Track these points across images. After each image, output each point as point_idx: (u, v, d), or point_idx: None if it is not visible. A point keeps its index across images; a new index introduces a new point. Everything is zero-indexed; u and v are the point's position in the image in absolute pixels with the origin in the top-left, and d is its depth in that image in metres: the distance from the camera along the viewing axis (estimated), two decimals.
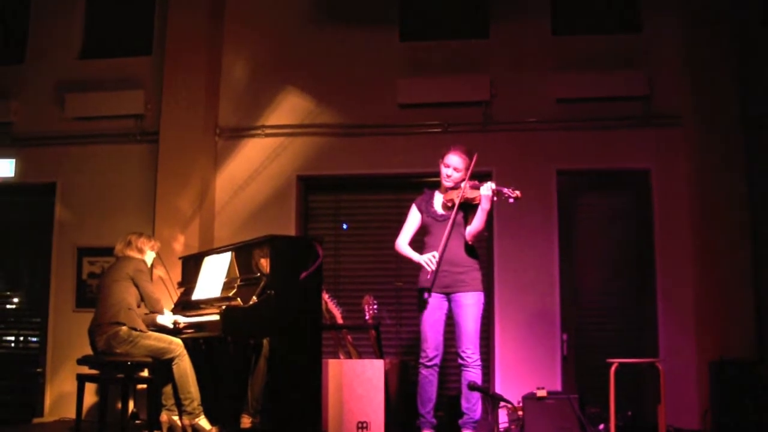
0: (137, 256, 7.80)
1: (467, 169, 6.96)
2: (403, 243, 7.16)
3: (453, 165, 6.98)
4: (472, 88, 9.56)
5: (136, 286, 7.57)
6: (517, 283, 9.23)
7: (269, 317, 6.96)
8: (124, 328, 7.35)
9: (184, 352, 7.44)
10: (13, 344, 10.48)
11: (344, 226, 9.93)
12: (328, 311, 8.21)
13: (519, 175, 9.04)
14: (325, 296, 8.05)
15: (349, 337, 8.32)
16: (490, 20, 9.92)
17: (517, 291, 9.22)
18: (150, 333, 7.50)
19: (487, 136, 9.34)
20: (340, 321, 8.31)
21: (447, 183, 7.01)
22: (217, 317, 6.92)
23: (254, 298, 6.98)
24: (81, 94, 10.14)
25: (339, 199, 10.05)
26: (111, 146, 10.10)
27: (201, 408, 7.39)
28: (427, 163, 9.02)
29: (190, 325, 7.57)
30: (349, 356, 8.16)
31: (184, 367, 7.40)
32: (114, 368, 7.35)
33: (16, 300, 10.59)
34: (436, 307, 6.89)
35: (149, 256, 7.94)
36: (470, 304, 6.79)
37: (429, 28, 10.10)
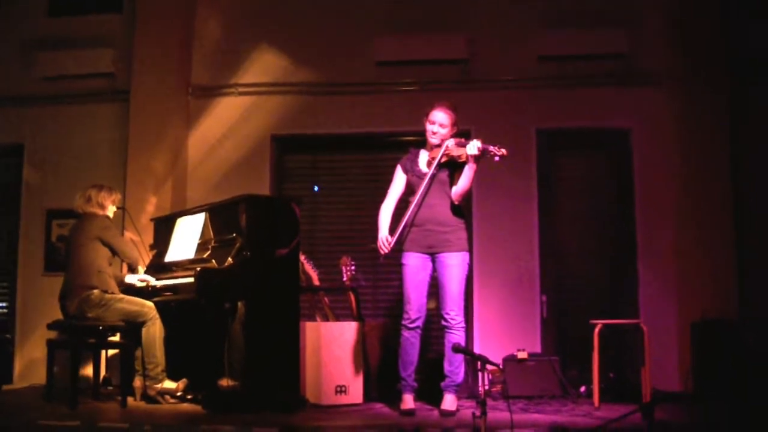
0: (99, 212, 7.55)
1: (453, 125, 6.82)
2: (385, 208, 6.95)
3: (438, 121, 6.82)
4: (450, 46, 9.35)
5: (106, 245, 7.37)
6: (496, 244, 9.08)
7: (245, 279, 6.87)
8: (96, 291, 7.18)
9: (156, 315, 7.29)
10: None
11: (315, 188, 9.74)
12: (305, 273, 8.08)
13: (498, 135, 8.64)
14: (302, 257, 7.91)
15: (326, 299, 8.19)
16: None
17: (496, 252, 9.07)
18: (123, 296, 7.33)
19: (465, 95, 9.10)
20: (316, 283, 8.18)
21: (433, 140, 6.83)
22: (191, 279, 6.80)
23: (230, 259, 6.87)
24: (50, 52, 9.83)
25: (315, 159, 9.83)
26: (81, 106, 9.83)
27: (164, 374, 7.28)
28: (404, 122, 9.04)
29: (163, 288, 7.43)
30: (326, 319, 8.03)
31: (153, 331, 7.27)
32: (85, 333, 7.16)
33: None
34: (419, 267, 6.72)
35: (111, 211, 7.67)
36: (455, 265, 6.63)
37: None
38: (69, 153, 9.74)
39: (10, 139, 9.98)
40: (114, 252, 7.44)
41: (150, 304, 7.33)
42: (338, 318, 8.07)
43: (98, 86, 9.80)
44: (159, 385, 7.24)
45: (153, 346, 7.23)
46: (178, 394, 7.30)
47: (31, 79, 9.89)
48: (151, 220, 8.64)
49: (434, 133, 6.83)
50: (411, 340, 6.72)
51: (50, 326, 7.36)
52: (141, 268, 7.81)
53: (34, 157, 9.88)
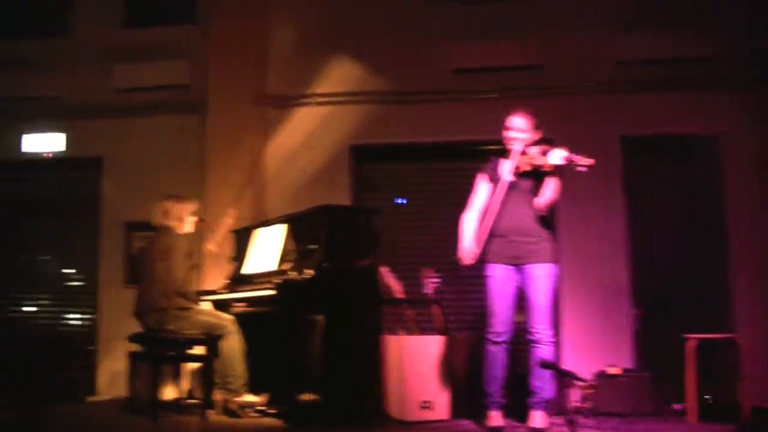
0: (177, 225, 7.41)
1: (532, 130, 6.57)
2: (468, 218, 6.66)
3: (515, 126, 6.57)
4: (527, 52, 9.18)
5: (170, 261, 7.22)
6: (582, 255, 8.78)
7: (325, 291, 6.69)
8: (174, 304, 7.07)
9: (235, 329, 7.15)
10: (66, 322, 10.32)
11: (400, 201, 9.56)
12: (387, 285, 7.88)
13: (581, 142, 8.37)
14: (384, 270, 7.73)
15: (409, 312, 7.98)
16: None
17: (584, 264, 8.78)
18: (202, 309, 7.24)
19: (545, 101, 8.79)
20: (399, 295, 7.97)
21: (512, 146, 6.60)
22: (271, 292, 6.66)
23: (309, 271, 6.70)
24: (126, 64, 9.91)
25: (394, 169, 9.67)
26: (157, 118, 9.86)
27: (245, 387, 7.14)
28: (483, 130, 8.72)
29: (244, 300, 7.30)
30: (410, 332, 7.82)
31: (232, 344, 7.12)
32: (165, 346, 7.08)
33: (67, 277, 10.42)
34: (504, 279, 6.48)
35: (189, 223, 7.52)
36: (541, 276, 6.36)
37: None
38: (147, 165, 9.74)
39: (88, 152, 10.03)
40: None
41: (229, 317, 7.21)
42: (422, 331, 7.86)
43: (174, 98, 9.82)
44: (240, 399, 7.10)
45: (233, 358, 7.10)
46: (260, 407, 7.15)
47: (107, 90, 9.93)
48: (231, 231, 8.53)
49: (512, 140, 6.59)
50: (497, 355, 6.47)
51: (131, 339, 7.27)
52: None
53: (113, 170, 9.90)
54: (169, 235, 7.33)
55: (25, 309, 10.47)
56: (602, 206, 8.86)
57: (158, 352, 7.08)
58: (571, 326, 8.74)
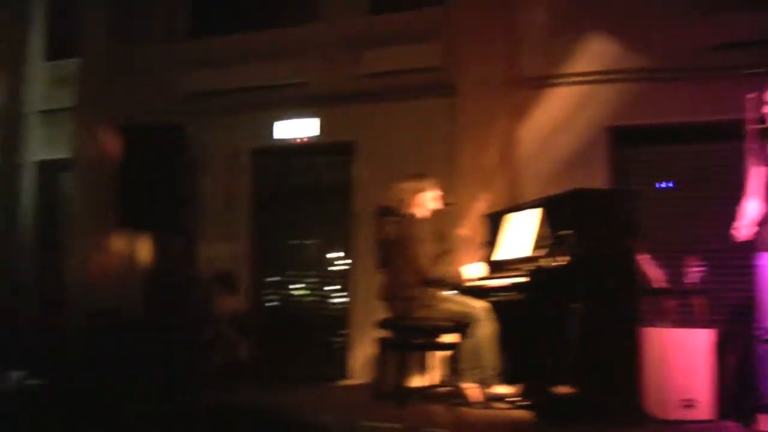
0: (415, 211, 7.17)
1: None
2: (749, 203, 6.08)
3: None
4: None
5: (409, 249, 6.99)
6: None
7: (580, 279, 6.35)
8: (419, 292, 6.87)
9: (486, 316, 6.83)
10: (326, 305, 10.57)
11: (665, 185, 9.02)
12: (646, 274, 7.42)
13: None
14: (643, 257, 7.27)
15: (670, 303, 7.48)
16: None
17: None
18: (450, 296, 6.99)
19: None
20: (659, 285, 7.48)
21: None
22: (524, 279, 6.38)
23: (564, 258, 6.36)
24: (374, 49, 9.93)
25: (654, 152, 9.10)
26: (408, 102, 9.78)
27: (496, 378, 6.81)
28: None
29: (496, 288, 7.04)
30: (670, 325, 7.33)
31: (483, 332, 6.80)
32: (412, 333, 6.90)
33: (326, 261, 10.67)
34: None
35: (428, 205, 7.23)
36: None
37: None
38: (397, 149, 9.66)
39: (340, 137, 10.12)
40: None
41: (481, 304, 6.92)
42: (683, 324, 7.33)
43: (424, 81, 9.68)
44: (489, 390, 6.83)
45: (482, 347, 6.79)
46: (510, 399, 6.87)
47: (357, 76, 9.98)
48: (483, 216, 8.30)
49: None
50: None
51: (380, 325, 7.16)
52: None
53: (364, 154, 9.95)
54: (406, 222, 7.15)
55: (291, 291, 10.84)
56: None
57: (405, 339, 6.93)
58: None
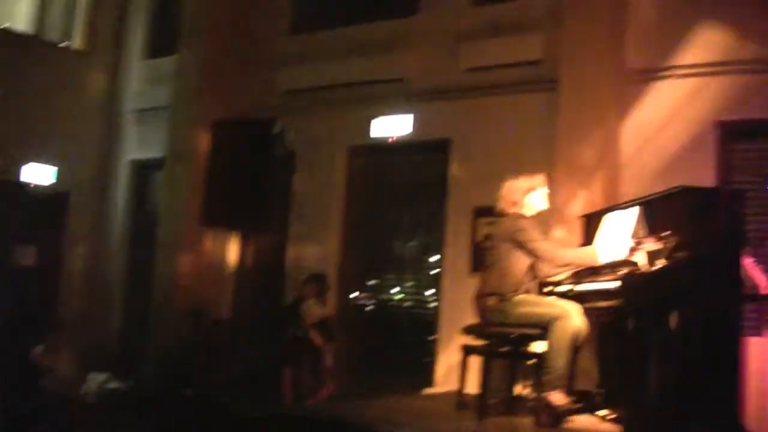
0: (514, 210, 6.80)
1: None
2: None
3: None
4: None
5: (521, 247, 6.62)
6: None
7: (678, 285, 5.93)
8: (493, 298, 6.55)
9: (567, 315, 6.29)
10: (416, 310, 10.32)
11: None
12: (752, 279, 6.99)
13: None
14: (749, 261, 6.85)
15: None
16: None
17: None
18: (526, 298, 6.54)
19: None
20: (765, 291, 7.04)
21: None
22: (615, 284, 6.01)
23: (661, 261, 5.97)
24: (475, 42, 9.72)
25: (767, 148, 8.59)
26: (506, 97, 9.49)
27: (561, 385, 6.24)
28: None
29: (586, 293, 6.67)
30: None
31: (561, 331, 6.25)
32: (499, 340, 6.58)
33: (423, 264, 10.38)
34: None
35: (530, 205, 6.85)
36: None
37: None
38: (495, 147, 9.39)
39: (436, 134, 9.88)
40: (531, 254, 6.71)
41: (568, 305, 6.42)
42: None
43: (525, 75, 9.41)
44: (548, 394, 6.26)
45: (553, 348, 6.27)
46: (570, 408, 6.38)
47: (455, 71, 9.77)
48: (581, 216, 7.94)
49: None
50: None
51: (465, 330, 6.90)
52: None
53: (460, 152, 9.71)
54: (510, 221, 6.79)
55: (382, 295, 10.66)
56: None
57: (490, 346, 6.64)
58: None
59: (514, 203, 6.81)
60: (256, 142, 8.79)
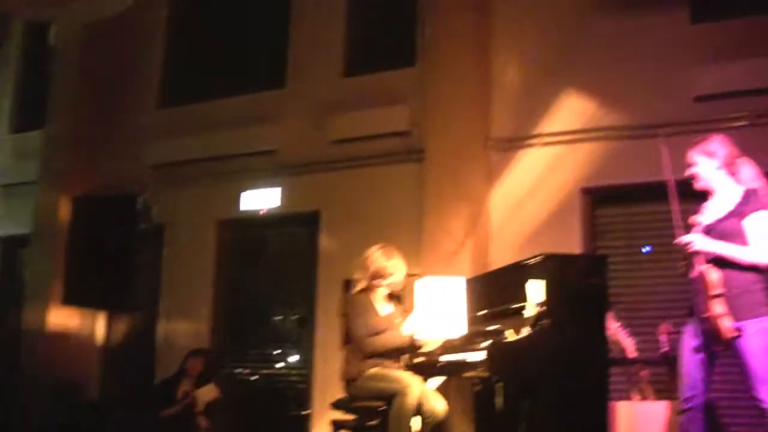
0: (364, 284, 6.67)
1: (710, 157, 5.55)
2: None
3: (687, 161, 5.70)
4: None
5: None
6: None
7: (545, 353, 5.87)
8: (352, 373, 6.44)
9: (411, 391, 6.11)
10: (280, 383, 10.20)
11: (645, 249, 8.61)
12: (617, 342, 7.02)
13: None
14: (614, 325, 6.88)
15: (643, 373, 7.07)
16: None
17: None
18: (377, 373, 6.36)
19: None
20: (632, 354, 7.07)
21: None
22: (480, 354, 5.91)
23: (527, 329, 5.92)
24: (343, 114, 9.76)
25: (631, 213, 8.70)
26: (375, 168, 9.55)
27: None
28: None
29: (455, 364, 6.56)
30: (644, 397, 6.91)
31: (398, 407, 6.10)
32: (367, 414, 6.40)
33: (280, 336, 10.33)
34: (691, 334, 5.46)
35: (390, 279, 6.66)
36: (751, 335, 5.17)
37: (724, 5, 8.55)
38: (364, 218, 9.38)
39: (306, 206, 9.86)
40: None
41: (409, 379, 6.21)
42: (659, 395, 6.90)
43: (393, 146, 9.48)
44: None
45: (392, 424, 6.13)
46: None
47: (325, 142, 9.79)
48: None
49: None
50: (685, 426, 5.39)
51: (334, 405, 6.74)
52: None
53: (329, 224, 9.68)
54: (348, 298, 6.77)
55: (253, 368, 10.46)
56: None
57: (356, 421, 6.48)
58: None
59: (359, 280, 6.72)
60: (120, 218, 8.59)
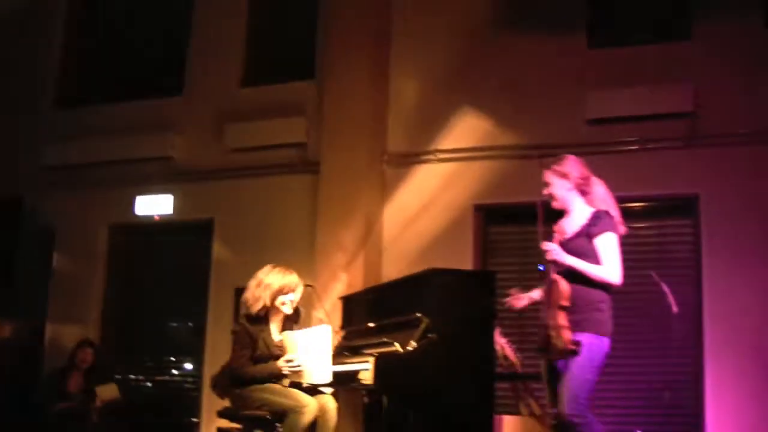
0: (253, 309, 6.46)
1: (563, 178, 5.66)
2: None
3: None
4: (672, 98, 8.25)
5: None
6: (731, 328, 7.75)
7: (432, 366, 5.88)
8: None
9: (306, 411, 5.99)
10: (170, 390, 10.11)
11: (541, 267, 8.69)
12: (506, 358, 7.09)
13: (730, 198, 7.91)
14: (501, 340, 6.97)
15: (530, 387, 7.15)
16: (691, 20, 8.51)
17: (731, 338, 7.73)
18: (270, 386, 6.24)
19: (691, 153, 8.08)
20: (518, 369, 7.15)
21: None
22: (366, 366, 5.91)
23: (413, 343, 5.93)
24: (241, 124, 9.68)
25: (523, 231, 8.77)
26: (271, 178, 9.55)
27: None
28: (623, 186, 7.89)
29: (343, 375, 6.55)
30: (530, 411, 6.99)
31: (292, 425, 5.99)
32: (252, 423, 6.32)
33: (172, 344, 10.25)
34: None
35: (283, 299, 6.45)
36: (583, 348, 5.21)
37: (621, 32, 8.85)
38: (258, 227, 9.40)
39: (200, 214, 9.80)
40: None
41: (303, 398, 6.09)
42: (545, 409, 6.98)
43: (289, 157, 9.49)
44: None
45: None
46: None
47: (222, 151, 9.74)
48: (340, 298, 7.89)
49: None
50: None
51: (219, 414, 6.67)
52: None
53: (224, 233, 9.63)
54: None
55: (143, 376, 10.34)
56: (755, 271, 7.80)
57: (247, 429, 6.39)
58: (718, 400, 7.71)
59: (257, 299, 6.46)
60: (5, 221, 8.37)
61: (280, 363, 6.23)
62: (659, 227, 8.43)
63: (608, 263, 5.28)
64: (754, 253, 7.82)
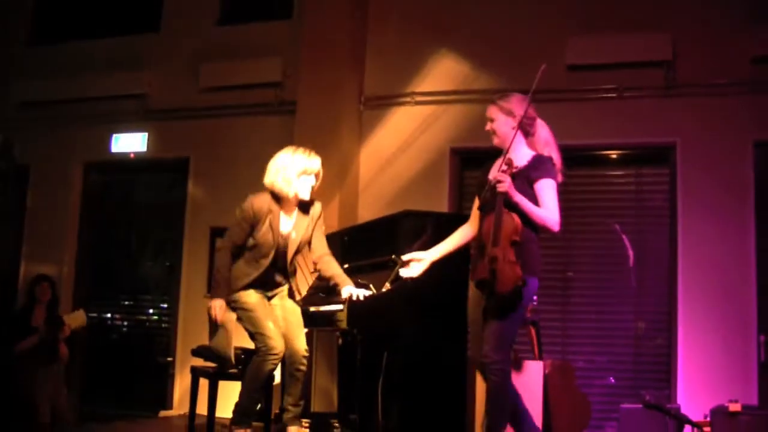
0: (270, 182, 6.37)
1: (507, 115, 5.54)
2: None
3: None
4: (651, 47, 8.20)
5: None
6: (704, 277, 7.81)
7: (405, 308, 5.91)
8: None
9: (270, 356, 5.74)
10: (145, 329, 10.12)
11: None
12: None
13: (707, 148, 7.92)
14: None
15: None
16: None
17: (704, 286, 7.79)
18: (245, 304, 5.94)
19: (669, 102, 8.08)
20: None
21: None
22: (340, 307, 5.92)
23: (387, 284, 5.94)
24: (217, 63, 9.60)
25: None
26: (247, 118, 9.47)
27: (244, 422, 5.88)
28: (600, 133, 8.13)
29: (317, 315, 6.54)
30: None
31: (255, 369, 5.81)
32: (227, 362, 6.28)
33: (147, 282, 10.21)
34: None
35: (298, 186, 6.28)
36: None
37: None
38: (233, 167, 9.30)
39: (175, 152, 9.76)
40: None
41: (274, 340, 5.79)
42: (518, 355, 7.02)
43: (265, 97, 9.39)
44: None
45: (244, 384, 5.90)
46: None
47: (198, 90, 9.64)
48: None
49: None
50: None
51: (194, 352, 6.67)
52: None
53: (199, 172, 9.60)
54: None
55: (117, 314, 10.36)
56: (729, 222, 7.85)
57: (215, 369, 6.44)
58: (688, 356, 7.77)
59: (277, 173, 6.35)
60: None
61: None
62: (636, 175, 8.45)
63: (548, 209, 5.14)
64: (729, 202, 7.86)
